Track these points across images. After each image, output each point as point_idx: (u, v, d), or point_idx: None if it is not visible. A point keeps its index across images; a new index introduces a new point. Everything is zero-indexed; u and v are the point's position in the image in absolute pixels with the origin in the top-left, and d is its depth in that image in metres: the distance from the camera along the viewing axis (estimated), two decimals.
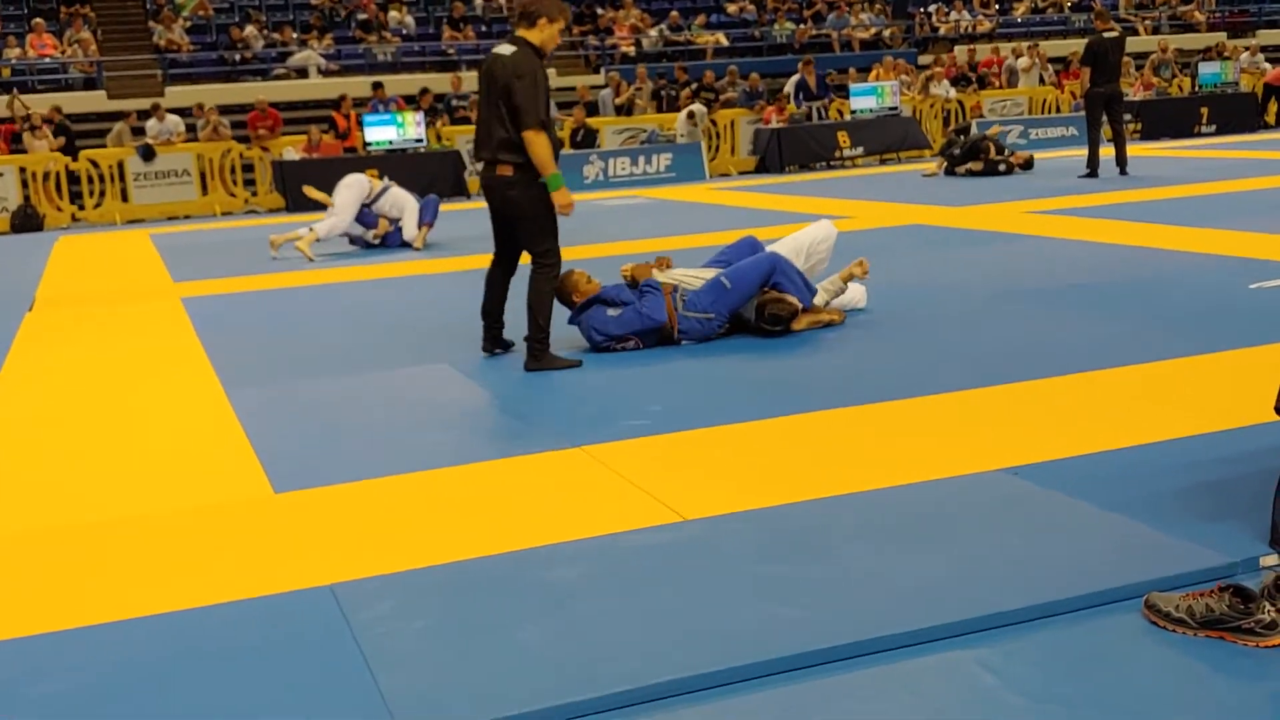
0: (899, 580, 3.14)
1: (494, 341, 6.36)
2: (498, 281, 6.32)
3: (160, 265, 11.04)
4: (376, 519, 3.91)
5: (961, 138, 15.90)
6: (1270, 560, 3.14)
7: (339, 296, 8.71)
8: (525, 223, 5.92)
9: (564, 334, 6.29)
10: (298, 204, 15.55)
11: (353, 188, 11.17)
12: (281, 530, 3.88)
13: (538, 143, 5.70)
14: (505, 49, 5.85)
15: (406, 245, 11.18)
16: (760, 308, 6.38)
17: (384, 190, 11.32)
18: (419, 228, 11.20)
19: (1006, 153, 15.58)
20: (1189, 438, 4.23)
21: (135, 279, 10.33)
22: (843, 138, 18.68)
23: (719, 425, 4.74)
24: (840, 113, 19.62)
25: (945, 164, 15.72)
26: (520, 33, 5.88)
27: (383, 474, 4.33)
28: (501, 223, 6.15)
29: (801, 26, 23.36)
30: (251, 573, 3.46)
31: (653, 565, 3.35)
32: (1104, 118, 13.89)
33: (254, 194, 17.29)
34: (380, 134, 16.16)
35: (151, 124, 17.11)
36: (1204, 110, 20.11)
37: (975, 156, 15.41)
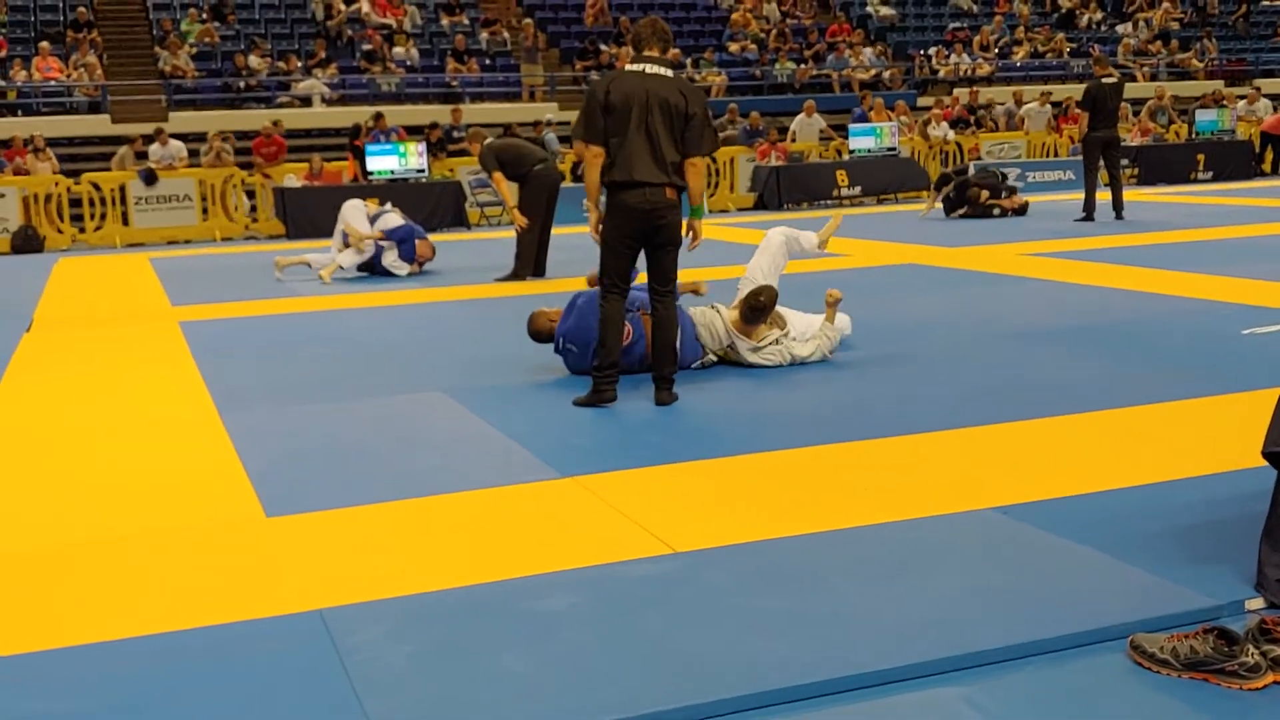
0: (886, 616, 3.15)
1: (614, 382, 5.83)
2: (618, 325, 5.83)
3: (159, 289, 11.07)
4: (367, 544, 3.92)
5: (954, 179, 15.93)
6: (1255, 604, 3.16)
7: (335, 323, 8.73)
8: (673, 249, 5.77)
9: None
10: (299, 231, 15.66)
11: (355, 211, 11.24)
12: (272, 554, 3.89)
13: (701, 171, 5.73)
14: (660, 70, 5.63)
15: (393, 274, 11.21)
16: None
17: (380, 214, 11.39)
18: (408, 261, 11.24)
19: (1004, 195, 15.61)
20: (1176, 480, 4.25)
21: (133, 302, 10.36)
22: (841, 177, 18.79)
23: (710, 458, 4.76)
24: (839, 152, 19.74)
25: (937, 199, 15.79)
26: (655, 52, 5.73)
27: (374, 500, 4.35)
28: (639, 248, 5.77)
29: (802, 67, 23.52)
30: (241, 596, 3.47)
31: (641, 596, 3.36)
32: (1101, 162, 13.99)
33: (254, 220, 17.35)
34: (382, 163, 16.24)
35: (155, 148, 17.19)
36: (1200, 157, 20.24)
37: (964, 202, 15.47)
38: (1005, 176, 16.25)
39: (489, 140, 11.14)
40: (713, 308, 6.70)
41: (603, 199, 5.77)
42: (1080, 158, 15.70)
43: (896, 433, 5.05)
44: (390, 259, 11.22)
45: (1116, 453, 4.68)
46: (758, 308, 6.50)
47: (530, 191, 10.69)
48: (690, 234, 5.86)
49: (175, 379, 6.79)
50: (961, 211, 15.44)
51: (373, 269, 11.28)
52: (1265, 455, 3.28)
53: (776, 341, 6.59)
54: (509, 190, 10.83)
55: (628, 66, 5.77)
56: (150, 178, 16.77)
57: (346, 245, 11.18)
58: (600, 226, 5.81)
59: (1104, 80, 13.82)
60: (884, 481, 4.43)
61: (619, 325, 5.85)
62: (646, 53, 5.75)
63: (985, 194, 15.43)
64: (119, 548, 3.97)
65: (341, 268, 11.08)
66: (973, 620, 3.10)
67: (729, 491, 4.36)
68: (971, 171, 16.74)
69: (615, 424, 5.52)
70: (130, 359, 7.50)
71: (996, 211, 15.29)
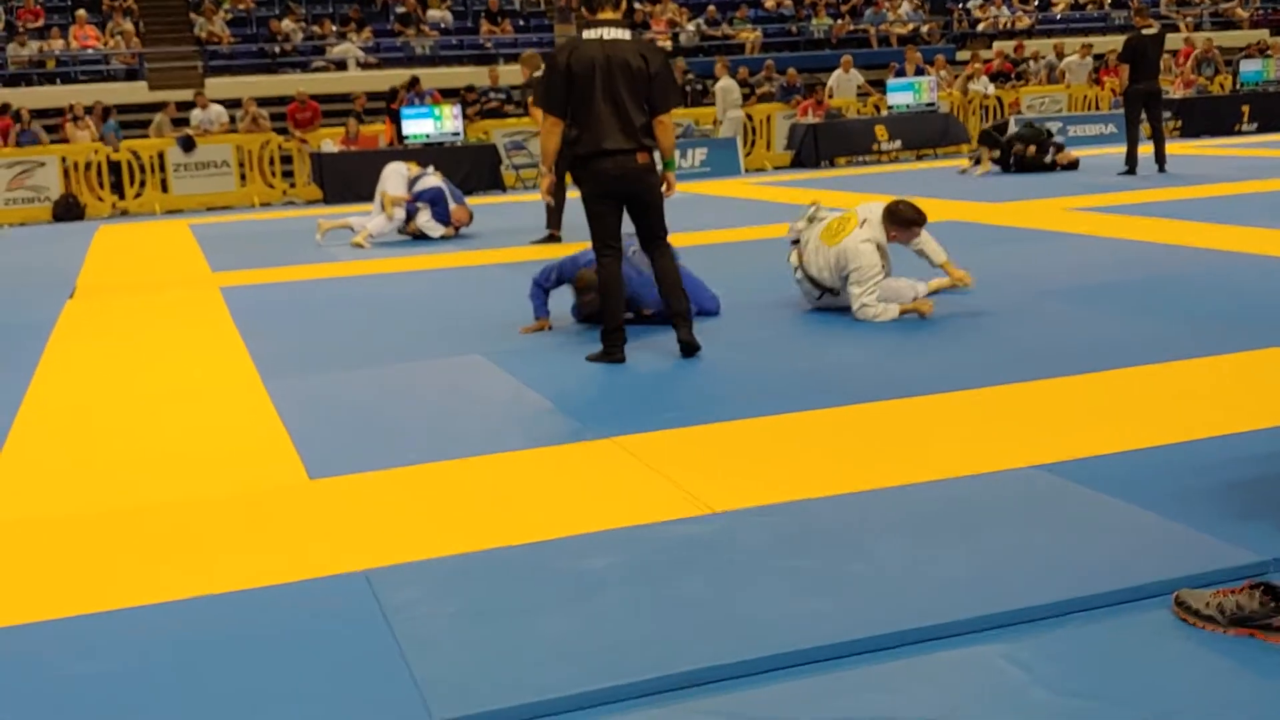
0: (927, 575, 3.15)
1: (622, 347, 5.93)
2: (617, 286, 5.90)
3: (199, 255, 11.16)
4: (409, 506, 3.95)
5: (997, 138, 15.67)
6: None
7: (375, 287, 8.77)
8: (656, 207, 5.89)
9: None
10: (335, 195, 15.72)
11: (396, 176, 11.27)
12: (316, 516, 3.93)
13: (669, 128, 5.82)
14: (616, 33, 5.66)
15: (428, 237, 11.22)
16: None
17: (420, 176, 11.39)
18: (443, 224, 11.25)
19: (1051, 151, 15.30)
20: (1222, 436, 4.20)
21: (174, 268, 10.45)
22: (880, 132, 18.62)
23: (749, 418, 4.75)
24: (877, 108, 19.56)
25: (976, 160, 15.52)
26: (609, 14, 5.73)
27: (416, 462, 4.38)
28: (623, 210, 5.86)
29: (839, 22, 23.27)
30: (286, 558, 3.51)
31: (680, 556, 3.37)
32: (1143, 115, 13.76)
33: (292, 185, 17.42)
34: (418, 127, 16.25)
35: (196, 113, 17.31)
36: (1245, 108, 19.90)
37: (1010, 160, 15.24)
38: (1050, 133, 15.95)
39: (539, 72, 10.63)
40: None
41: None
42: (1121, 111, 15.41)
43: (938, 390, 5.02)
44: (424, 218, 11.22)
45: (1160, 409, 4.63)
46: (903, 217, 6.52)
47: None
48: (665, 186, 5.92)
49: (217, 344, 6.85)
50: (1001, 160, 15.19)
51: (416, 234, 11.30)
52: None
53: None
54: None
55: (584, 34, 5.76)
56: (189, 144, 16.88)
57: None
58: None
59: (1144, 31, 13.59)
60: (923, 439, 4.41)
61: (618, 287, 5.91)
62: (600, 15, 5.75)
63: (1032, 149, 15.19)
64: (165, 512, 4.02)
65: (372, 235, 11.09)
66: (1015, 578, 3.09)
67: (767, 451, 4.36)
68: (1013, 128, 16.51)
69: (651, 384, 5.53)
70: (172, 325, 7.58)
71: (1049, 162, 14.99)
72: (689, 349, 5.92)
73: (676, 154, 5.95)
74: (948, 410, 4.78)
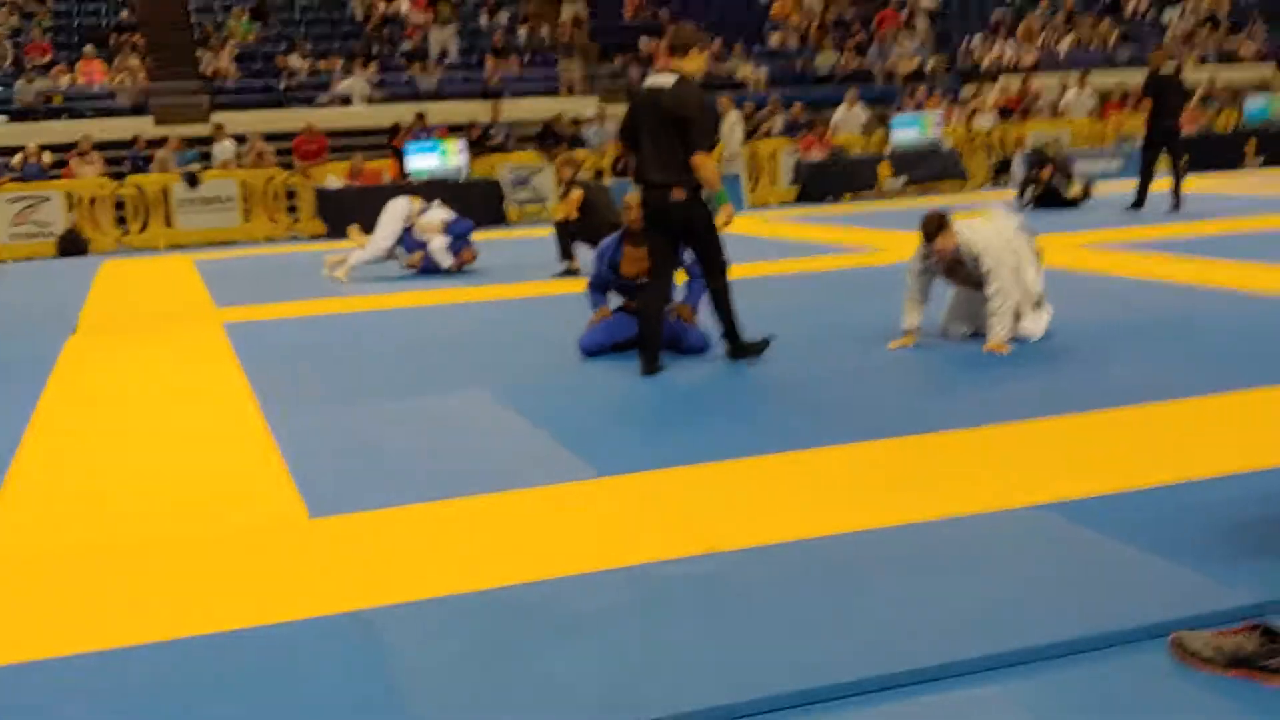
0: (929, 615, 3.14)
1: (653, 361, 6.44)
2: (657, 307, 6.45)
3: (203, 290, 11.19)
4: (409, 545, 3.94)
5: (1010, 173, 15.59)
6: None
7: (378, 323, 8.79)
8: (701, 237, 6.37)
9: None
10: (339, 231, 15.77)
11: (393, 211, 11.33)
12: (315, 555, 3.93)
13: (709, 165, 6.21)
14: (664, 80, 6.25)
15: (442, 271, 11.26)
16: None
17: (424, 210, 11.44)
18: (454, 255, 11.29)
19: (1070, 184, 15.09)
20: (1223, 476, 4.19)
21: (178, 303, 10.47)
22: (884, 169, 18.68)
23: (753, 455, 4.74)
24: (882, 144, 19.63)
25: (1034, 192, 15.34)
26: (675, 64, 6.28)
27: (417, 500, 4.37)
28: (670, 243, 6.44)
29: (844, 57, 23.39)
30: (283, 597, 3.51)
31: (682, 596, 3.36)
32: (1160, 155, 13.62)
33: (296, 220, 17.50)
34: (423, 162, 16.34)
35: (216, 147, 17.48)
36: (1252, 143, 19.96)
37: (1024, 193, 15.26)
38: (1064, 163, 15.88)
39: (583, 184, 11.16)
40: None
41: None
42: (1129, 146, 15.42)
43: (941, 428, 5.02)
44: (437, 244, 11.24)
45: (1163, 448, 4.63)
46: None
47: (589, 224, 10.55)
48: (723, 218, 6.44)
49: (219, 380, 6.86)
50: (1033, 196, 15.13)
51: (420, 267, 11.32)
52: None
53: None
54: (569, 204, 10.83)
55: (647, 80, 6.47)
56: (193, 180, 16.96)
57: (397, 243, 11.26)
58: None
59: (1163, 71, 13.55)
60: (929, 477, 4.40)
61: (650, 311, 6.42)
62: (662, 62, 6.40)
63: (1048, 171, 15.14)
64: (163, 549, 4.02)
65: (353, 267, 11.11)
66: (1016, 618, 3.08)
67: (771, 489, 4.35)
68: (1017, 165, 16.44)
69: (657, 420, 5.53)
70: (175, 360, 7.59)
71: (1068, 196, 14.92)
72: (646, 372, 6.39)
73: (724, 187, 6.52)
74: (953, 448, 4.77)
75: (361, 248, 11.28)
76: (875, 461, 4.65)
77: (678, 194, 6.22)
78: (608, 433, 5.34)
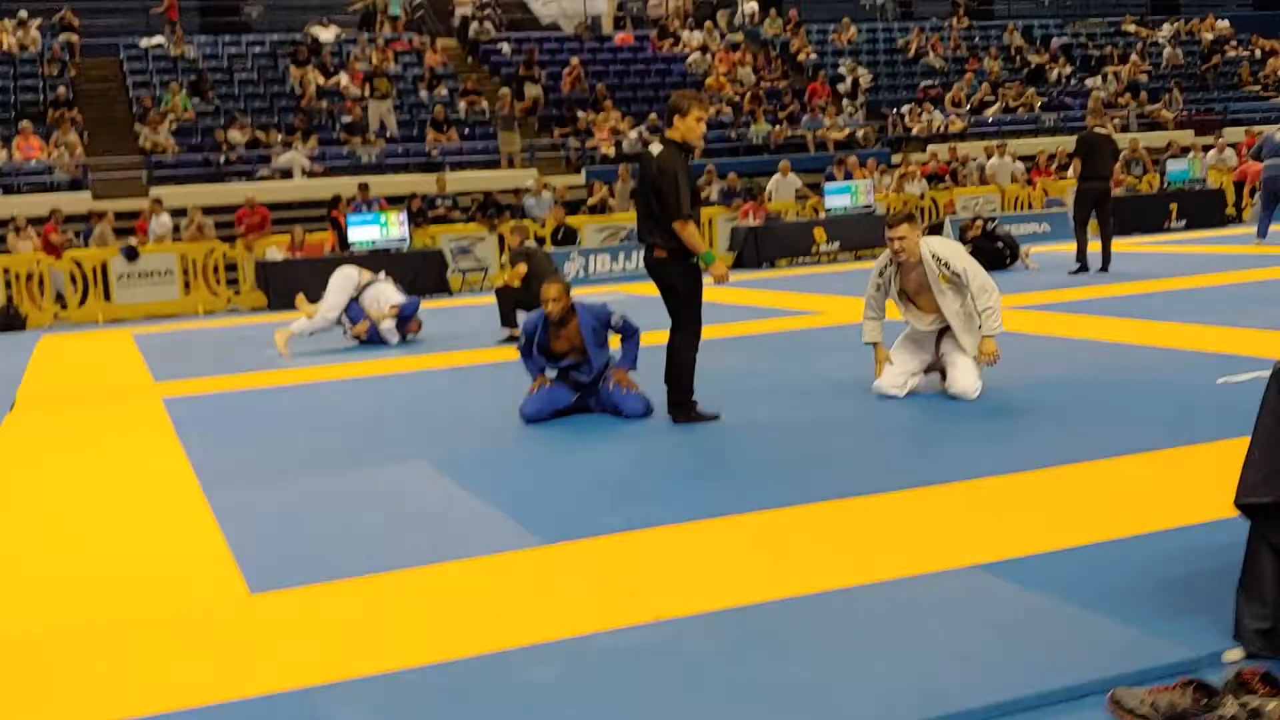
0: (868, 679, 3.17)
1: (679, 409, 6.77)
2: (674, 351, 6.79)
3: (142, 365, 11.08)
4: (353, 620, 3.92)
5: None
6: (1234, 655, 3.19)
7: (319, 395, 8.76)
8: (673, 295, 6.69)
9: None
10: (280, 303, 15.70)
11: (341, 281, 11.32)
12: (256, 632, 3.89)
13: (685, 231, 6.50)
14: (655, 147, 6.65)
15: (385, 342, 11.26)
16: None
17: (371, 283, 11.43)
18: (401, 327, 11.30)
19: (1011, 253, 15.20)
20: (1152, 533, 4.29)
21: (116, 379, 10.37)
22: (819, 234, 18.99)
23: (695, 520, 4.77)
24: (816, 210, 19.97)
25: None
26: (668, 132, 6.67)
27: (359, 574, 4.35)
28: (664, 296, 6.83)
29: (777, 128, 23.81)
30: (227, 676, 3.47)
31: (626, 666, 3.37)
32: (1090, 215, 13.96)
33: (236, 293, 17.40)
34: (364, 234, 16.36)
35: (154, 221, 17.37)
36: (1174, 206, 20.51)
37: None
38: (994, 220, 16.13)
39: (527, 248, 11.68)
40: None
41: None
42: (1058, 210, 15.75)
43: (877, 490, 5.08)
44: (387, 326, 11.26)
45: (1092, 506, 4.72)
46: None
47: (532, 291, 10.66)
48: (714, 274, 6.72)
49: (158, 456, 6.79)
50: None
51: (364, 338, 11.29)
52: (1238, 506, 3.32)
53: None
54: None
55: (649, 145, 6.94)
56: (132, 254, 16.85)
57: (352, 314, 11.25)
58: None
59: (1097, 130, 13.92)
60: (865, 541, 4.46)
61: (674, 361, 6.73)
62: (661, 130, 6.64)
63: (978, 224, 15.37)
64: (102, 630, 3.96)
65: (296, 335, 11.08)
66: (955, 680, 3.13)
67: (715, 554, 4.38)
68: (948, 229, 16.73)
69: (597, 487, 5.54)
70: (113, 437, 7.50)
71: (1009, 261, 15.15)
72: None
73: (709, 248, 6.98)
74: (887, 510, 4.83)
75: (309, 317, 11.23)
76: (813, 525, 4.69)
77: (659, 253, 6.59)
78: (549, 500, 5.34)
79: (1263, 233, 16.21)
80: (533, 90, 23.55)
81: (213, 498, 5.64)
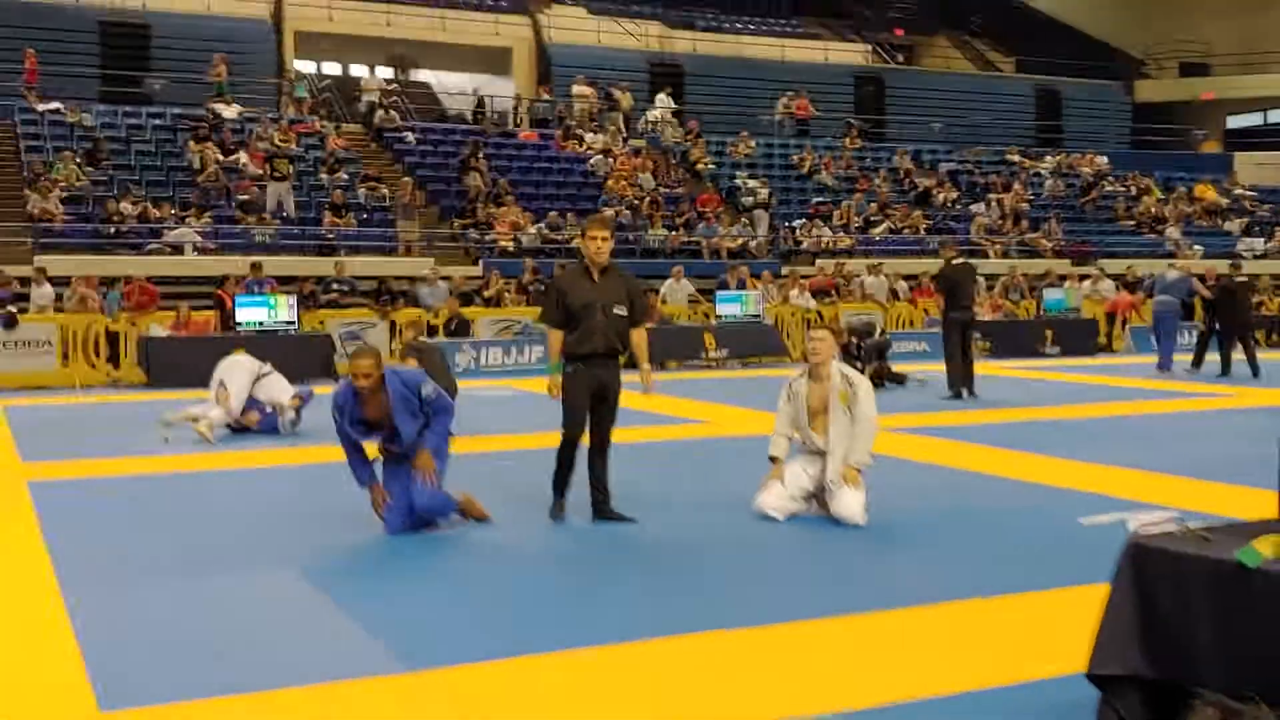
0: None
1: (599, 509, 7.19)
2: (591, 455, 7.29)
3: (9, 443, 10.76)
4: None
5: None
6: None
7: (196, 485, 8.61)
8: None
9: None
10: (161, 381, 15.41)
11: (242, 369, 11.20)
12: None
13: (548, 336, 7.28)
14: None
15: (277, 431, 11.14)
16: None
17: (267, 374, 11.35)
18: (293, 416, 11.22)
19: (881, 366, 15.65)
20: (999, 688, 4.29)
21: None
22: (709, 339, 19.31)
23: (561, 650, 4.74)
24: (707, 316, 20.32)
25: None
26: None
27: (213, 694, 4.27)
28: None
29: (674, 233, 24.25)
30: None
31: None
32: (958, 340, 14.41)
33: (116, 368, 17.03)
34: (251, 314, 16.22)
35: (34, 290, 16.98)
36: (1049, 332, 21.29)
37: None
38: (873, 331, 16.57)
39: (420, 343, 12.15)
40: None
41: None
42: (937, 330, 15.98)
43: (713, 627, 5.01)
44: (290, 416, 11.16)
45: (939, 654, 4.70)
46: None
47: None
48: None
49: (17, 549, 6.60)
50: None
51: (238, 426, 11.14)
52: (1088, 677, 3.43)
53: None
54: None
55: None
56: (10, 322, 16.43)
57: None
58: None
59: (954, 262, 14.48)
60: (695, 686, 4.40)
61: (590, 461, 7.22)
62: None
63: (851, 338, 15.75)
64: None
65: (215, 425, 10.92)
66: None
67: (576, 688, 4.38)
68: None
69: (467, 606, 5.51)
70: None
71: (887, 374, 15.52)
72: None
73: (553, 363, 7.36)
74: (721, 651, 4.74)
75: (221, 407, 11.03)
76: (665, 660, 4.68)
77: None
78: (424, 617, 5.28)
79: (1165, 365, 17.15)
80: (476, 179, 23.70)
81: (70, 601, 5.49)
